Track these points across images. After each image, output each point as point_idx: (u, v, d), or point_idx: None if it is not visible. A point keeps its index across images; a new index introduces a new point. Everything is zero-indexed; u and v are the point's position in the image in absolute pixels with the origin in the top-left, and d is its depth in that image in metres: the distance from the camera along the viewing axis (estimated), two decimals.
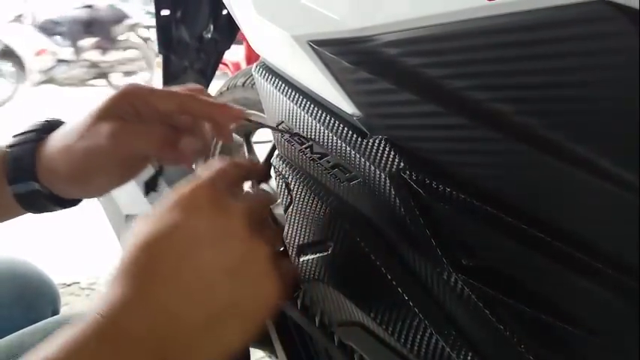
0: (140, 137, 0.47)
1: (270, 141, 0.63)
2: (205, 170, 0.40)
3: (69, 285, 1.91)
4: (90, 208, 0.97)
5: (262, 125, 0.51)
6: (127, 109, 0.47)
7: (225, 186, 0.39)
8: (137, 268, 0.33)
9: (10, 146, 0.48)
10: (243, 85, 1.08)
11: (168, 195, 0.37)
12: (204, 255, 0.34)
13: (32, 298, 0.77)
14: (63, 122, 0.52)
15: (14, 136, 0.49)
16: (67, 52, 6.17)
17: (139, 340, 0.31)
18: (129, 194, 0.97)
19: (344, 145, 0.43)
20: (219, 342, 0.34)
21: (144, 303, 0.32)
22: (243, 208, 0.37)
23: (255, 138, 1.27)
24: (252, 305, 0.35)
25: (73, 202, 0.52)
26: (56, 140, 0.48)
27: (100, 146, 0.46)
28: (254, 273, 0.36)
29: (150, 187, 0.76)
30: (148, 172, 0.92)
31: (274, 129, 0.51)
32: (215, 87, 1.27)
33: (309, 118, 0.46)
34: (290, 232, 0.51)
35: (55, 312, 0.82)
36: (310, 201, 0.48)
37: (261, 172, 0.47)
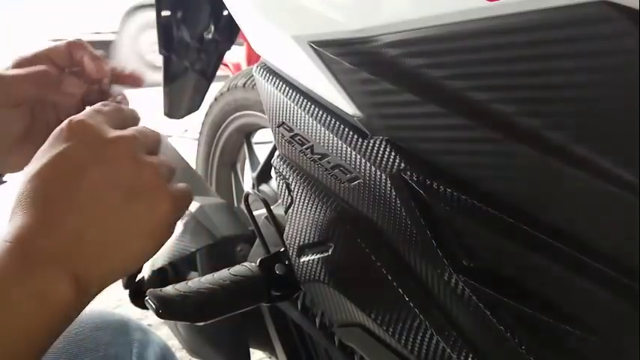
0: (17, 76, 0.48)
1: (271, 141, 0.63)
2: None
3: None
4: None
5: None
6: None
7: (103, 120, 0.40)
8: (31, 198, 0.34)
9: None
10: (244, 85, 1.08)
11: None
12: (92, 174, 0.35)
13: None
14: None
15: None
16: None
17: (47, 258, 0.32)
18: None
19: (345, 145, 0.43)
20: (124, 254, 0.36)
21: (46, 225, 0.33)
22: (126, 134, 0.38)
23: (255, 139, 1.27)
24: (148, 218, 0.37)
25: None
26: None
27: None
28: (145, 187, 0.37)
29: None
30: None
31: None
32: (216, 88, 1.27)
33: (310, 119, 0.46)
34: (290, 232, 0.51)
35: None
36: (311, 202, 0.48)
37: (133, 119, 0.46)
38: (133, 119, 0.44)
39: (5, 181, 0.54)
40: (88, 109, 0.41)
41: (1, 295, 0.31)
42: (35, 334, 0.31)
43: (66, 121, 0.38)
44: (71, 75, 0.51)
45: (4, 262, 0.31)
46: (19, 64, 0.50)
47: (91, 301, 0.35)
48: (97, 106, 0.41)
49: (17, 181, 0.36)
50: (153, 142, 0.42)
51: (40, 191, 0.35)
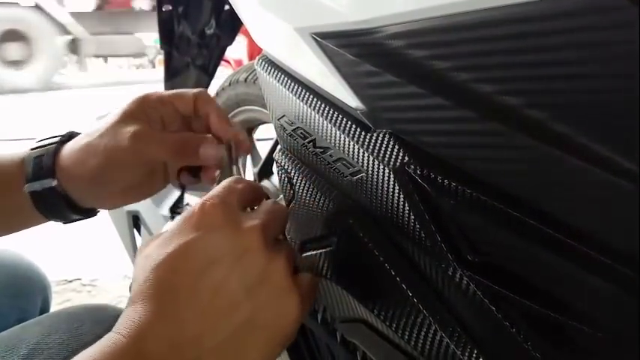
0: (159, 142, 0.47)
1: (273, 138, 0.63)
2: (214, 190, 0.39)
3: (70, 281, 1.92)
4: None
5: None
6: (147, 111, 0.48)
7: (236, 202, 0.39)
8: (154, 289, 0.32)
9: (33, 148, 0.50)
10: (245, 80, 1.08)
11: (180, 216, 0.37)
12: (221, 272, 0.33)
13: (20, 287, 0.78)
14: (78, 133, 0.54)
15: (37, 141, 0.51)
16: None
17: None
18: None
19: (347, 139, 0.42)
20: (242, 346, 0.34)
21: (164, 323, 0.31)
22: (258, 223, 0.37)
23: (256, 135, 1.27)
24: (273, 322, 0.35)
25: (88, 213, 0.52)
26: (78, 139, 0.49)
27: (118, 146, 0.47)
28: (273, 289, 0.35)
29: (174, 211, 0.79)
30: (172, 198, 0.93)
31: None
32: (216, 85, 1.27)
33: (312, 112, 0.46)
34: (292, 227, 0.50)
35: (45, 301, 0.82)
36: (313, 196, 0.47)
37: (261, 194, 0.45)
38: (261, 195, 0.44)
39: (98, 212, 0.54)
40: (221, 187, 0.39)
41: None
42: None
43: (199, 205, 0.36)
44: (209, 142, 0.50)
45: (115, 357, 0.30)
46: (141, 105, 0.49)
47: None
48: (231, 183, 0.40)
49: (140, 262, 0.35)
50: (281, 225, 0.41)
51: (164, 285, 0.33)
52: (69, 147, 0.49)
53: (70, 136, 0.52)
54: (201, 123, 0.53)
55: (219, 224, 0.35)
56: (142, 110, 0.49)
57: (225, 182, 0.40)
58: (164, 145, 0.48)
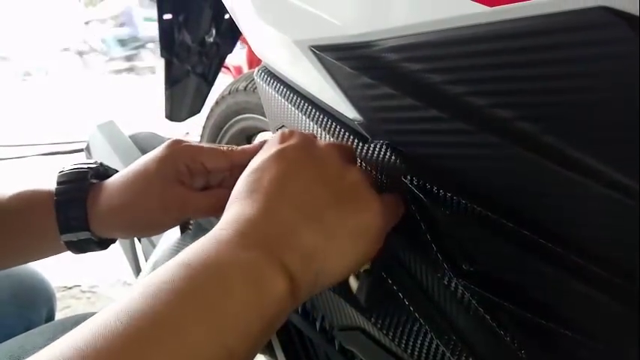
0: (197, 206, 0.48)
1: None
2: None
3: (70, 288, 1.91)
4: None
5: None
6: (180, 169, 0.48)
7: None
8: (253, 189, 0.36)
9: (58, 194, 0.48)
10: (245, 89, 1.08)
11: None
12: (307, 173, 0.37)
13: (26, 297, 0.77)
14: (104, 167, 0.53)
15: (59, 183, 0.49)
16: None
17: (266, 249, 0.32)
18: None
19: None
20: (336, 258, 0.35)
21: (264, 216, 0.34)
22: (332, 143, 0.40)
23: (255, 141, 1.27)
24: (357, 219, 0.36)
25: (113, 240, 0.53)
26: (111, 199, 0.48)
27: (157, 212, 0.48)
28: (355, 188, 0.37)
29: (184, 228, 0.79)
30: None
31: None
32: (217, 90, 1.27)
33: (311, 123, 0.46)
34: None
35: (50, 311, 0.82)
36: None
37: None
38: None
39: (115, 240, 0.54)
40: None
41: (221, 280, 0.30)
42: (254, 326, 0.30)
43: (279, 132, 0.41)
44: None
45: (222, 248, 0.31)
46: (170, 158, 0.49)
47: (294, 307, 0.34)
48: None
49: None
50: (351, 154, 0.43)
51: (260, 183, 0.36)
52: (102, 200, 0.48)
53: (92, 175, 0.51)
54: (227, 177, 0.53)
55: (299, 139, 0.39)
56: (173, 167, 0.48)
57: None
58: (201, 207, 0.49)
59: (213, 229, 0.33)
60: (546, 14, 0.27)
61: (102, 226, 0.48)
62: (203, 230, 0.80)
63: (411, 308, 0.39)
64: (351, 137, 0.43)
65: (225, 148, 0.50)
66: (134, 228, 0.50)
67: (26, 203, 0.48)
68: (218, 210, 0.47)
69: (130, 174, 0.49)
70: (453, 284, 0.36)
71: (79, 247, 0.50)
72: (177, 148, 0.49)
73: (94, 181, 0.50)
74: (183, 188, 0.48)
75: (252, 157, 0.49)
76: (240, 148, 0.50)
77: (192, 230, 0.81)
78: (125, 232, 0.50)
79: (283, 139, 0.40)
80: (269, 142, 0.40)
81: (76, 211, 0.48)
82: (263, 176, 0.36)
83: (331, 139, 0.44)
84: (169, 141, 0.50)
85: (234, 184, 0.52)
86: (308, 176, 0.36)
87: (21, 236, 0.48)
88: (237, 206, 0.35)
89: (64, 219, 0.48)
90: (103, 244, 0.51)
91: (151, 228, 0.51)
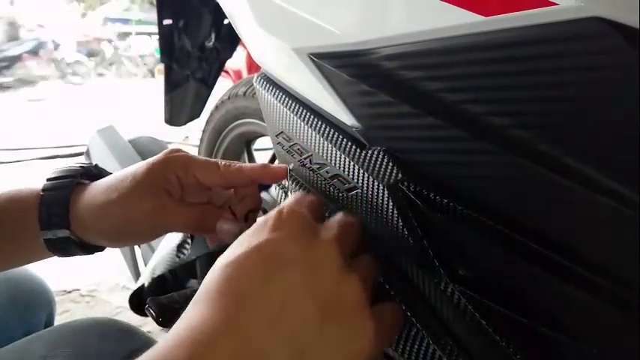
0: (177, 218, 0.47)
1: (270, 148, 0.64)
2: (287, 199, 0.38)
3: (69, 292, 1.91)
4: None
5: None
6: (169, 178, 0.47)
7: (311, 214, 0.36)
8: (223, 289, 0.30)
9: (44, 190, 0.47)
10: (244, 94, 1.09)
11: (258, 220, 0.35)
12: (294, 280, 0.31)
13: (26, 301, 0.77)
14: (98, 169, 0.52)
15: (49, 179, 0.49)
16: None
17: None
18: None
19: (343, 156, 0.43)
20: None
21: (229, 331, 0.28)
22: (334, 235, 0.34)
23: (255, 145, 1.28)
24: (343, 347, 0.31)
25: (99, 248, 0.51)
26: (94, 198, 0.47)
27: (137, 218, 0.46)
28: (348, 311, 0.32)
29: (180, 251, 0.79)
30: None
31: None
32: (216, 95, 1.28)
33: (309, 129, 0.47)
34: None
35: (50, 315, 0.82)
36: None
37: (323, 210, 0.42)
38: (324, 210, 0.41)
39: (104, 248, 0.52)
40: (293, 198, 0.38)
41: None
42: None
43: (276, 210, 0.35)
44: (226, 219, 0.49)
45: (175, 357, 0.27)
46: (164, 168, 0.47)
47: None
48: (301, 195, 0.38)
49: (214, 265, 0.32)
50: (357, 239, 0.38)
51: (233, 284, 0.30)
52: (85, 205, 0.47)
53: (81, 174, 0.50)
54: (221, 194, 0.52)
55: (295, 230, 0.33)
56: (162, 175, 0.47)
57: (296, 194, 0.38)
58: (181, 220, 0.47)
59: (167, 336, 0.28)
60: (541, 24, 0.28)
61: (82, 227, 0.47)
62: (202, 238, 0.81)
63: (408, 313, 0.40)
64: (349, 144, 0.43)
65: (222, 163, 0.48)
66: (112, 232, 0.48)
67: (13, 198, 0.48)
68: (195, 228, 0.47)
69: (117, 177, 0.48)
70: (449, 290, 0.37)
71: (60, 248, 0.48)
72: (171, 157, 0.48)
73: (85, 181, 0.49)
74: (168, 199, 0.46)
75: (247, 179, 0.48)
76: (236, 165, 0.48)
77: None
78: (104, 235, 0.48)
79: (277, 224, 0.33)
80: (259, 222, 0.34)
81: (59, 207, 0.46)
82: (239, 275, 0.30)
83: (330, 147, 0.44)
84: (167, 149, 0.49)
85: (237, 205, 0.51)
86: (294, 286, 0.30)
87: (4, 232, 0.47)
88: (205, 308, 0.29)
89: (46, 215, 0.46)
90: (86, 248, 0.49)
91: (130, 235, 0.49)
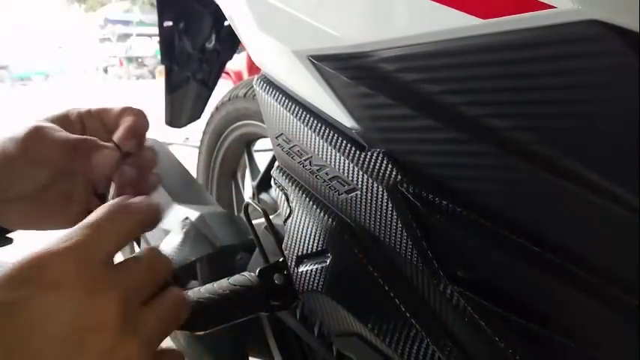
0: (51, 140, 0.42)
1: (270, 150, 0.64)
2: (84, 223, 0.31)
3: None
4: None
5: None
6: (69, 121, 0.45)
7: (107, 246, 0.31)
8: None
9: None
10: (245, 95, 1.09)
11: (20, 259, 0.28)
12: (49, 351, 0.26)
13: None
14: None
15: None
16: None
17: None
18: None
19: (343, 157, 0.43)
20: None
21: None
22: (120, 289, 0.30)
23: (255, 146, 1.28)
24: None
25: (5, 240, 0.46)
26: None
27: (7, 144, 0.41)
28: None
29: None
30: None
31: None
32: (217, 96, 1.28)
33: (309, 131, 0.47)
34: (289, 242, 0.51)
35: None
36: (309, 212, 0.48)
37: (155, 218, 0.36)
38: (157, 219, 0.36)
39: (11, 241, 0.47)
40: (96, 218, 0.32)
41: None
42: None
43: (53, 252, 0.29)
44: (109, 148, 0.44)
45: None
46: (64, 115, 0.45)
47: None
48: (114, 214, 0.33)
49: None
50: (159, 279, 0.34)
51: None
52: None
53: None
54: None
55: (69, 283, 0.28)
56: (64, 118, 0.44)
57: (101, 213, 0.32)
58: (55, 144, 0.41)
59: None
60: (539, 27, 0.28)
61: None
62: (200, 233, 0.81)
63: (408, 314, 0.40)
64: (349, 145, 0.43)
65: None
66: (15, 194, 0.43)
67: None
68: (74, 150, 0.42)
69: None
70: (448, 291, 0.37)
71: None
72: (71, 109, 0.46)
73: None
74: (49, 127, 0.42)
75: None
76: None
77: (191, 234, 0.81)
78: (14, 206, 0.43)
79: (47, 273, 0.28)
80: (19, 269, 0.28)
81: None
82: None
83: (329, 148, 0.45)
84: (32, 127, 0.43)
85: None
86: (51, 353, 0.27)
87: None
88: None
89: None
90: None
91: (8, 181, 0.42)
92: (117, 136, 0.45)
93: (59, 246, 0.29)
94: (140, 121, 0.46)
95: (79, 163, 0.43)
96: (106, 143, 0.44)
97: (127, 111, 0.47)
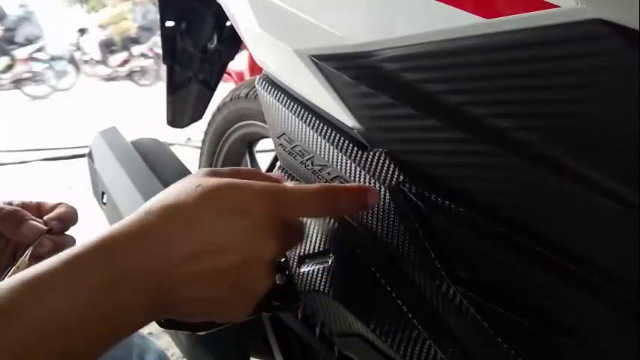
0: None
1: (272, 150, 0.64)
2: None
3: None
4: (93, 218, 0.98)
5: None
6: None
7: (294, 210, 0.38)
8: (159, 210, 0.33)
9: None
10: (247, 96, 1.09)
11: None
12: (234, 225, 0.34)
13: None
14: None
15: None
16: None
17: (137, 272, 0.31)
18: (132, 203, 0.97)
19: (344, 157, 0.43)
20: (206, 305, 0.35)
21: (144, 237, 0.32)
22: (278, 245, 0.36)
23: (257, 147, 1.28)
24: (236, 299, 0.36)
25: None
26: None
27: None
28: (251, 275, 0.35)
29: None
30: None
31: None
32: (218, 97, 1.28)
33: (311, 131, 0.47)
34: None
35: None
36: None
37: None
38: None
39: None
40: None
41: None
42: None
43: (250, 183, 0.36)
44: (37, 221, 0.52)
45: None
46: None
47: None
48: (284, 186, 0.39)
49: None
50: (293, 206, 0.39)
51: (164, 212, 0.33)
52: None
53: None
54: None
55: (256, 216, 0.35)
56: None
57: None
58: None
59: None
60: (542, 26, 0.28)
61: None
62: None
63: (410, 315, 0.40)
64: (351, 145, 0.43)
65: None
66: None
67: None
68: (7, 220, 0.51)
69: None
70: (451, 291, 0.37)
71: None
72: None
73: None
74: None
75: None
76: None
77: None
78: None
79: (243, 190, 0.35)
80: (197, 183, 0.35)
81: None
82: (166, 210, 0.34)
83: (331, 148, 0.45)
84: None
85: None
86: (223, 253, 0.34)
87: None
88: (126, 226, 0.33)
89: None
90: None
91: None
92: (47, 216, 0.53)
93: (257, 185, 0.36)
94: (71, 212, 0.55)
95: (9, 228, 0.51)
96: (35, 218, 0.52)
97: (62, 204, 0.55)
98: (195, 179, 0.36)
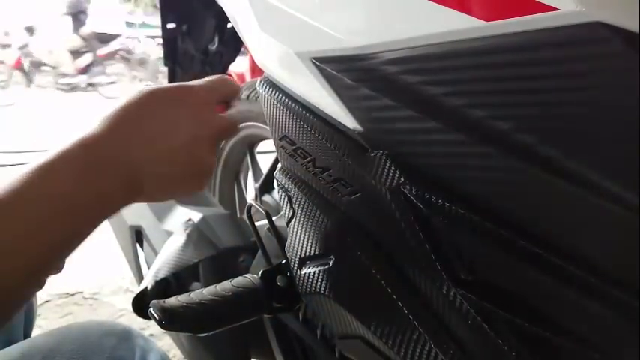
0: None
1: (273, 152, 0.64)
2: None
3: (72, 294, 1.91)
4: None
5: None
6: None
7: (217, 95, 0.47)
8: (112, 115, 0.40)
9: None
10: (248, 97, 1.09)
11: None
12: (177, 112, 0.42)
13: None
14: None
15: None
16: None
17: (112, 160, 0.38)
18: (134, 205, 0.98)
19: (345, 159, 0.43)
20: (169, 181, 0.42)
21: (114, 140, 0.38)
22: (204, 85, 0.46)
23: (258, 148, 1.28)
24: (193, 175, 0.43)
25: None
26: None
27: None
28: (201, 151, 0.42)
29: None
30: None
31: None
32: None
33: (312, 133, 0.47)
34: (292, 244, 0.51)
35: (29, 322, 0.80)
36: (312, 214, 0.48)
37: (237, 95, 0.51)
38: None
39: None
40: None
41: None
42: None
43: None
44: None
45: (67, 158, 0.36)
46: None
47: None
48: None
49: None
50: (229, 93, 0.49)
51: (120, 112, 0.40)
52: None
53: None
54: None
55: (199, 105, 0.44)
56: None
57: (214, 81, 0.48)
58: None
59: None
60: (542, 29, 0.28)
61: None
62: (203, 235, 0.81)
63: (410, 317, 0.40)
64: (351, 148, 0.43)
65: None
66: None
67: None
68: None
69: None
70: (451, 293, 0.37)
71: None
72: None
73: None
74: None
75: None
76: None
77: (194, 236, 0.81)
78: None
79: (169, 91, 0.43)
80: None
81: None
82: (128, 107, 0.40)
83: (332, 150, 0.45)
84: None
85: None
86: (176, 124, 0.41)
87: None
88: (97, 125, 0.39)
89: None
90: None
91: None
92: None
93: (195, 84, 0.46)
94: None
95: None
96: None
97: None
98: (136, 91, 0.43)
